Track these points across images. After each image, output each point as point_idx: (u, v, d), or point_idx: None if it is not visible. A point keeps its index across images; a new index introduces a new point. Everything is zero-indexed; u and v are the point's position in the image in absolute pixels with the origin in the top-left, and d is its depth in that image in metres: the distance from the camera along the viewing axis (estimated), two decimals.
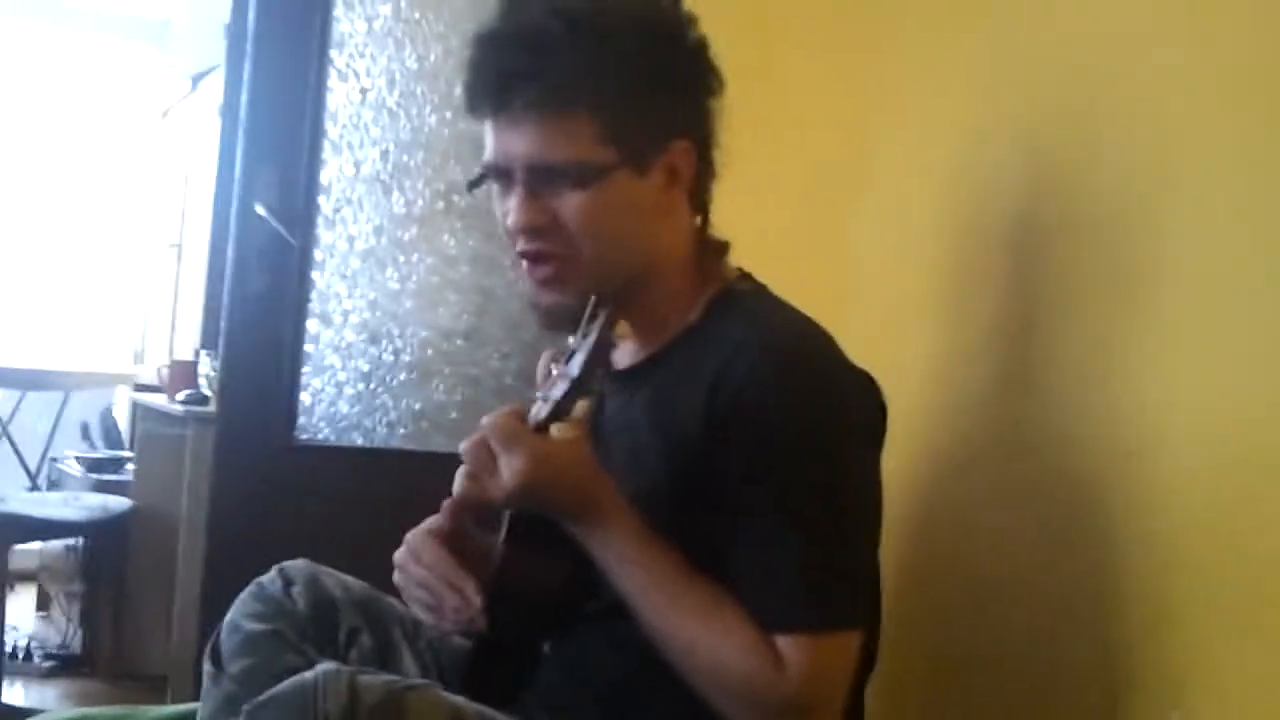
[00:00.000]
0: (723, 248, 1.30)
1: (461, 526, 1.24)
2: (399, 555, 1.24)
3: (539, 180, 1.19)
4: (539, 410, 1.11)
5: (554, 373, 1.11)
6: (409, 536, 1.24)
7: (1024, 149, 1.48)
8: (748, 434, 1.14)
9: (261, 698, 1.09)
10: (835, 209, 1.87)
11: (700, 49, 1.24)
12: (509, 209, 1.21)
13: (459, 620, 1.19)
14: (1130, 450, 1.25)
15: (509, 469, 1.10)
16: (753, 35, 2.16)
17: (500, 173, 1.22)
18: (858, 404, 1.21)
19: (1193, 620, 1.16)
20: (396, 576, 1.25)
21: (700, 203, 1.29)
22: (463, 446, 1.14)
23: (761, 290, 1.29)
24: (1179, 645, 1.17)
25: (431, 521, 1.24)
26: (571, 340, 1.10)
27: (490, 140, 1.22)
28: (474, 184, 1.28)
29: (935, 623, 1.55)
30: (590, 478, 1.14)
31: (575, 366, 1.08)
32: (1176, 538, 1.18)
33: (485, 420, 1.13)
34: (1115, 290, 1.29)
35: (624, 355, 1.32)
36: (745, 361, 1.15)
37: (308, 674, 1.09)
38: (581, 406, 1.07)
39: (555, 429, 1.08)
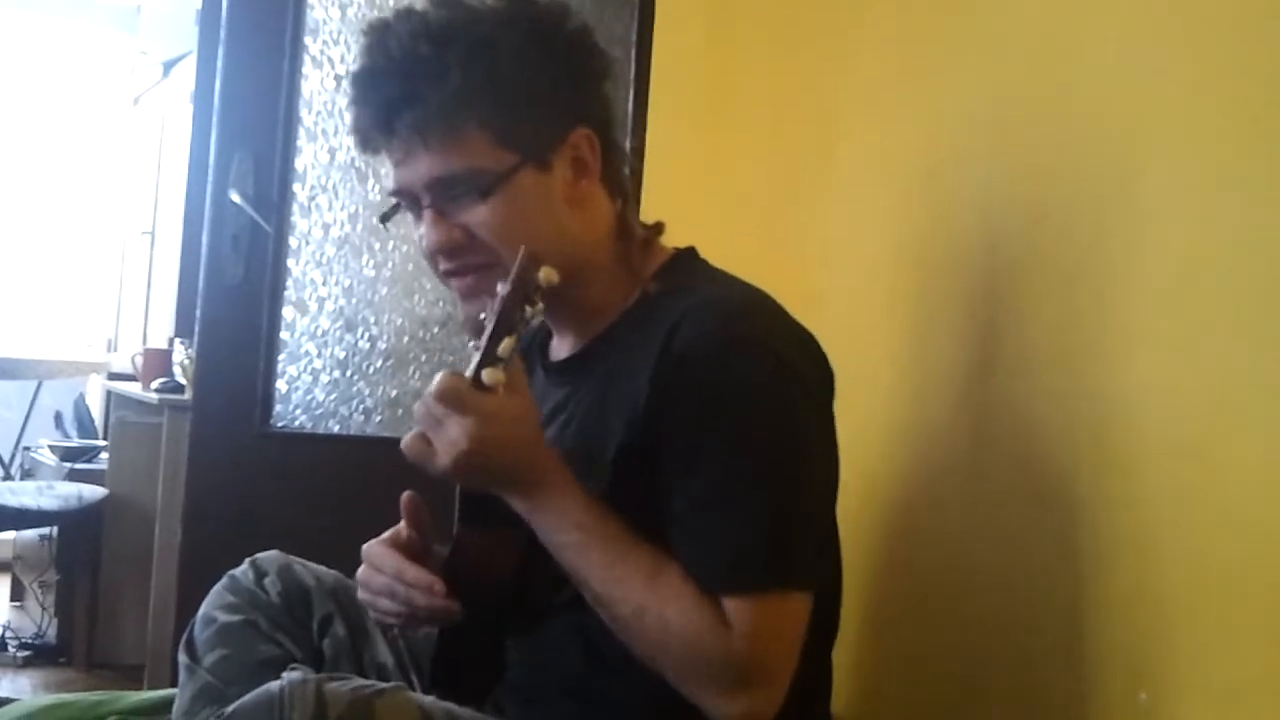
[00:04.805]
0: (656, 228, 1.29)
1: (422, 524, 1.23)
2: (360, 573, 1.23)
3: (442, 197, 1.19)
4: (473, 361, 1.08)
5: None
6: (365, 551, 1.23)
7: (989, 142, 1.48)
8: (693, 393, 1.13)
9: (228, 710, 1.08)
10: (803, 203, 1.88)
11: (581, 37, 1.23)
12: (422, 233, 1.21)
13: (433, 615, 1.19)
14: (1094, 433, 1.26)
15: (460, 428, 1.06)
16: (721, 35, 2.17)
17: (407, 199, 1.23)
18: (805, 365, 1.20)
19: (1158, 602, 1.17)
20: (361, 594, 1.24)
21: (616, 186, 1.27)
22: (415, 409, 1.10)
23: (704, 262, 1.29)
24: (1146, 627, 1.18)
25: (387, 533, 1.24)
26: (500, 286, 1.08)
27: (391, 170, 1.22)
28: (386, 216, 1.29)
29: (904, 607, 1.56)
30: (533, 441, 1.12)
31: (496, 305, 1.07)
32: (1141, 520, 1.20)
33: (431, 386, 1.08)
34: (1078, 280, 1.31)
35: (561, 347, 1.32)
36: (692, 324, 1.14)
37: (274, 684, 1.08)
38: (506, 344, 1.05)
39: (486, 374, 1.05)
